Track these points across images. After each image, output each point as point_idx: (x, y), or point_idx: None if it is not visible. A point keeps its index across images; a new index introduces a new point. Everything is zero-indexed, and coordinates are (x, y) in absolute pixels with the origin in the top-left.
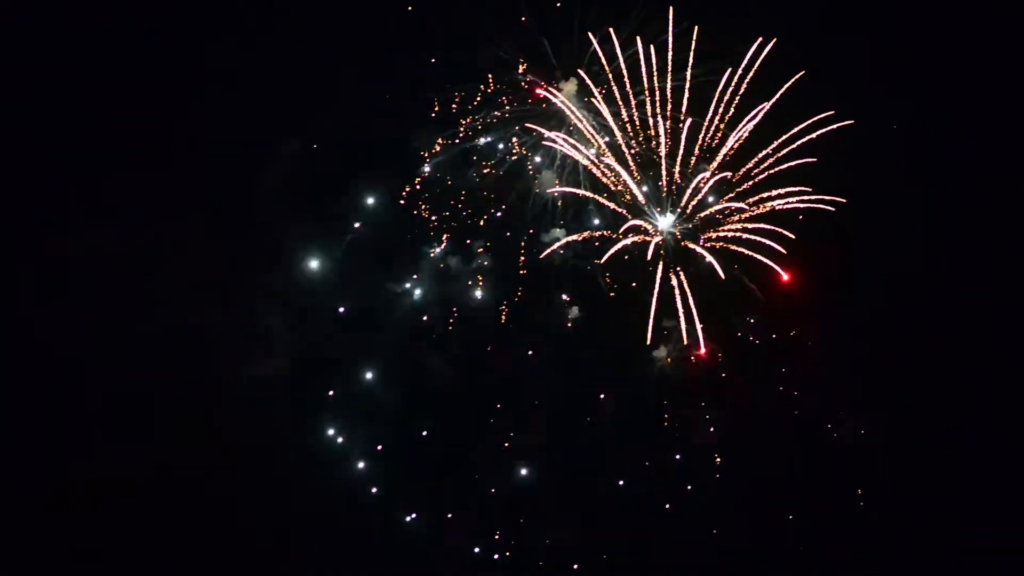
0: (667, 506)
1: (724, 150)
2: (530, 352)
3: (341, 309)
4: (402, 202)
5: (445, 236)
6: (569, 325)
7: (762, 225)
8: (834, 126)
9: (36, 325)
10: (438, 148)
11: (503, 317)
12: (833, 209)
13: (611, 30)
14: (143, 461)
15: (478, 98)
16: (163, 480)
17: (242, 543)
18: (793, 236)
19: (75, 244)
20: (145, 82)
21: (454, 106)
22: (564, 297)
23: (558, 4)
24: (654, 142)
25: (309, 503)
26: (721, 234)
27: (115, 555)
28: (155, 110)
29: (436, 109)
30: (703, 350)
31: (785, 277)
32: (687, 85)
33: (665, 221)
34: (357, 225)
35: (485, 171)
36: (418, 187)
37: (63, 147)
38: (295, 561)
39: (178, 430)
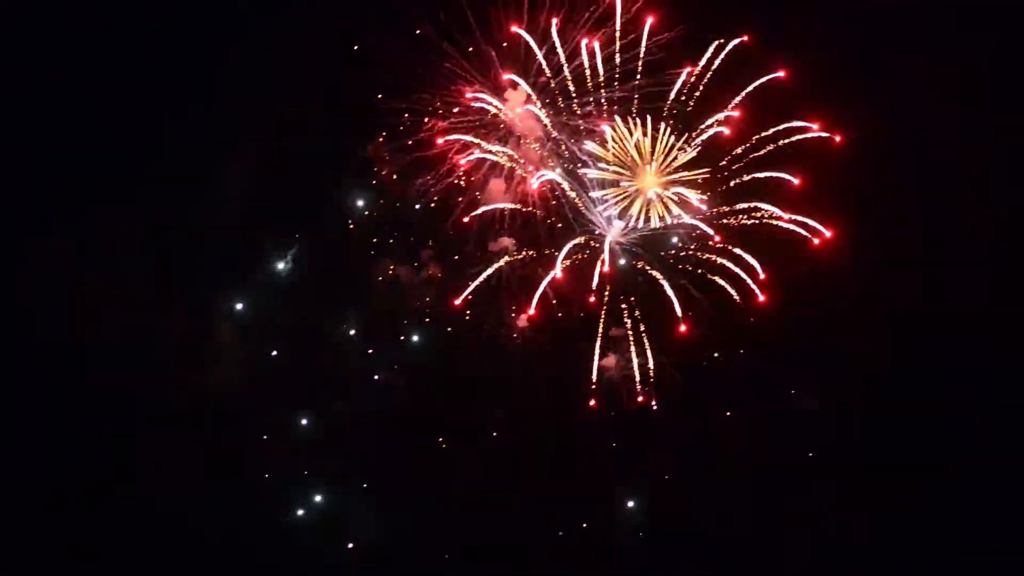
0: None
1: (679, 158)
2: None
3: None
4: (351, 225)
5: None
6: (518, 341)
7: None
8: (799, 136)
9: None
10: (386, 159)
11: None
12: (817, 242)
13: (556, 38)
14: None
15: (426, 120)
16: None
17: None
18: (763, 276)
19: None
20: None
21: (403, 122)
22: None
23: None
24: (604, 149)
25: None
26: (671, 252)
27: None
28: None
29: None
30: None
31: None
32: (635, 91)
33: (614, 231)
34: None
35: (433, 183)
36: (365, 214)
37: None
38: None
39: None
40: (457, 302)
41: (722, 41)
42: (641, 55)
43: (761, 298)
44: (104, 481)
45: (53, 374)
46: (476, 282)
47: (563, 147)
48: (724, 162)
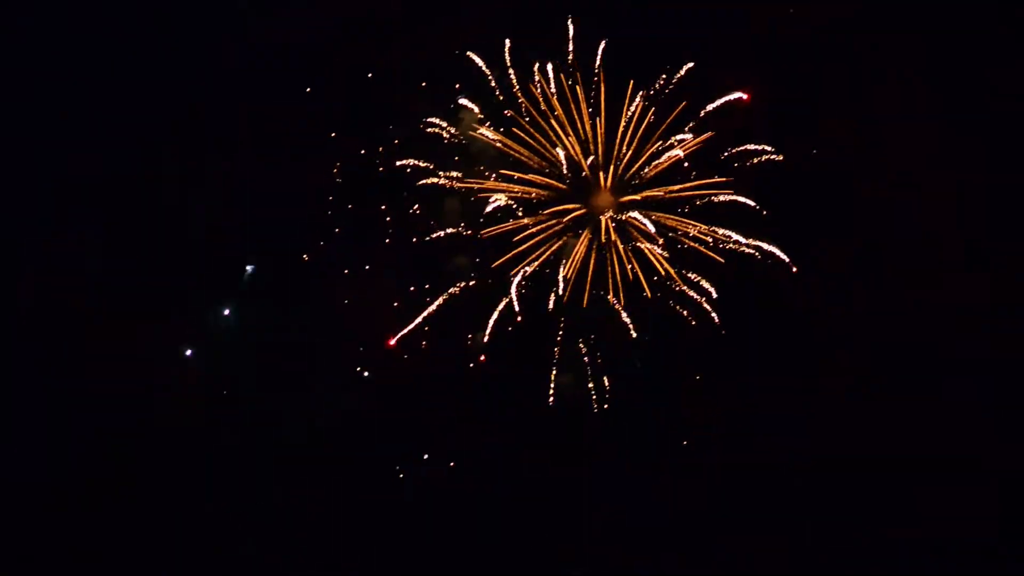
0: None
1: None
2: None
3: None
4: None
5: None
6: (472, 364)
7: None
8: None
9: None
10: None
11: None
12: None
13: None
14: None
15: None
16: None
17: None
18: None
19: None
20: None
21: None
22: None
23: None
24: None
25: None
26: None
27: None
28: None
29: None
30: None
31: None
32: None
33: (568, 247)
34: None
35: (388, 208)
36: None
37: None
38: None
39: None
40: (392, 342)
41: (670, 67)
42: (596, 76)
43: (723, 332)
44: (104, 481)
45: (53, 374)
46: (422, 316)
47: (515, 176)
48: (680, 184)
